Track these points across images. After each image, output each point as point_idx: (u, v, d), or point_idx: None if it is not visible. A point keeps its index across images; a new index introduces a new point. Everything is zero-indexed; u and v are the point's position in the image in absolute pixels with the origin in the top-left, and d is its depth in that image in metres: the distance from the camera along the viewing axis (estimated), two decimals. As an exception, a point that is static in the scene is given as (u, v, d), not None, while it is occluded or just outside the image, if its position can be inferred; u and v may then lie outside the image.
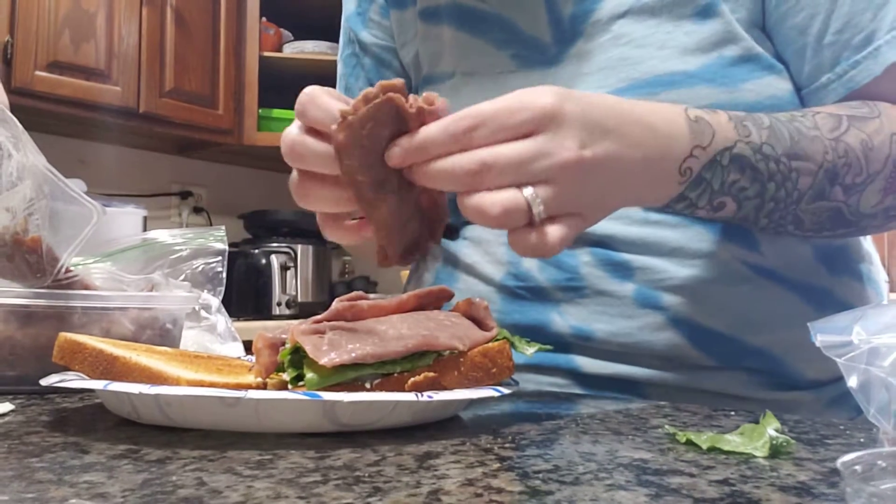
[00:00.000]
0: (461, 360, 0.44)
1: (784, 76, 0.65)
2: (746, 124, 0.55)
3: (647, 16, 0.65)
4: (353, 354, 0.42)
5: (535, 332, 0.67)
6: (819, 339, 0.38)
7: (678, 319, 0.64)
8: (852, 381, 0.36)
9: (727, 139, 0.54)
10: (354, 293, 0.48)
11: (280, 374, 0.45)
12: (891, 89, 0.62)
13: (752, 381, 0.64)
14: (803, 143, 0.56)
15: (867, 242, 0.72)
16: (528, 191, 0.45)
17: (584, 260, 0.66)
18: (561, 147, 0.46)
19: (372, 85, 0.83)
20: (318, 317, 0.45)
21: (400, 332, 0.44)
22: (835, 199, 0.58)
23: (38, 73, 2.08)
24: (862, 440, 0.43)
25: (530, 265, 0.68)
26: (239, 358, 0.58)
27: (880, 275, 0.72)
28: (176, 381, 0.44)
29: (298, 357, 0.43)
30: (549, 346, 0.52)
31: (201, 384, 0.44)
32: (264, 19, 2.68)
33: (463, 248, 0.74)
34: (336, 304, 0.47)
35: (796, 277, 0.65)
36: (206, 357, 0.54)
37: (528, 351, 0.49)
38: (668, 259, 0.64)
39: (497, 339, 0.46)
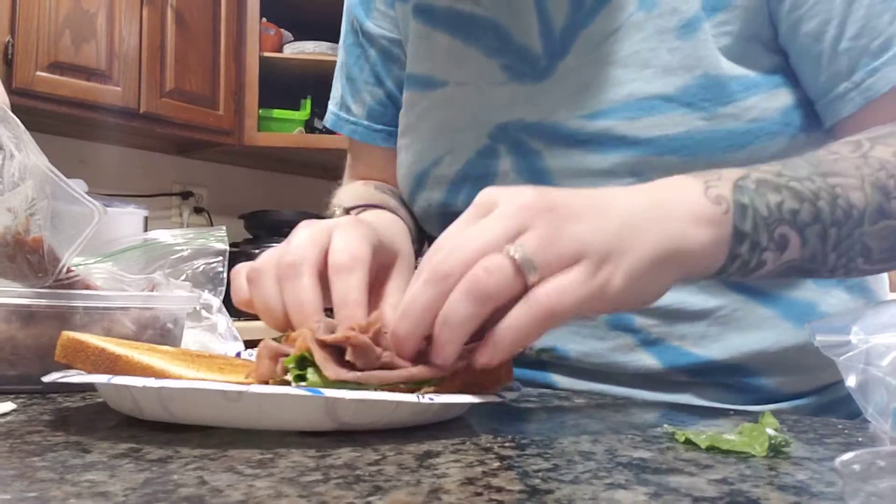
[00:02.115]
0: (463, 372, 0.45)
1: (777, 92, 0.62)
2: (750, 167, 0.51)
3: (635, 31, 0.64)
4: (358, 374, 0.42)
5: None
6: (818, 339, 0.38)
7: (649, 341, 0.64)
8: (851, 381, 0.36)
9: (736, 172, 0.49)
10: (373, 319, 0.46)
11: (282, 377, 0.45)
12: None
13: (726, 396, 0.64)
14: (825, 164, 0.51)
15: None
16: (511, 249, 0.41)
17: None
18: (518, 195, 0.43)
19: (379, 79, 0.84)
20: (338, 337, 0.44)
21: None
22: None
23: (38, 73, 2.08)
24: (860, 439, 0.43)
25: None
26: (238, 355, 0.58)
27: (880, 282, 0.70)
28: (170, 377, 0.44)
29: (304, 362, 0.43)
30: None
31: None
32: (264, 20, 2.68)
33: None
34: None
35: (777, 292, 0.64)
36: (208, 356, 0.54)
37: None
38: None
39: None
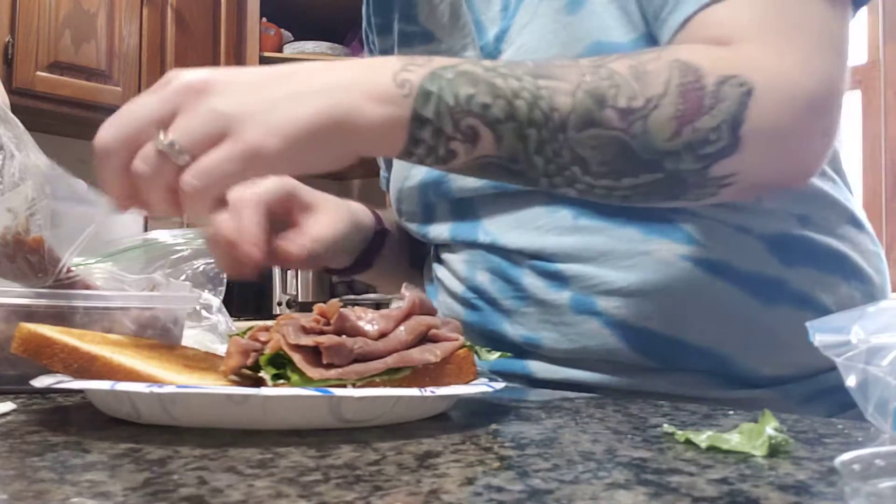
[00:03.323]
0: (432, 367, 0.47)
1: None
2: (480, 60, 0.54)
3: (540, 17, 0.67)
4: (340, 371, 0.43)
5: (493, 341, 0.69)
6: (817, 339, 0.38)
7: (614, 323, 0.64)
8: (851, 381, 0.36)
9: (448, 62, 0.51)
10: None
11: (248, 371, 0.46)
12: (706, 26, 0.57)
13: (702, 381, 0.64)
14: (550, 68, 0.52)
15: (847, 226, 0.68)
16: (159, 137, 0.45)
17: (525, 272, 0.68)
18: (179, 76, 0.47)
19: None
20: (311, 325, 0.46)
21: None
22: (611, 125, 0.51)
23: (38, 73, 2.09)
24: (860, 439, 0.43)
25: (483, 279, 0.71)
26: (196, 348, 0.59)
27: (865, 261, 0.68)
28: (162, 382, 0.44)
29: (278, 360, 0.44)
30: (508, 354, 0.54)
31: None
32: (264, 20, 2.68)
33: (439, 268, 0.79)
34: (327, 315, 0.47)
35: (741, 269, 0.63)
36: (168, 347, 0.54)
37: (490, 357, 0.52)
38: (599, 264, 0.65)
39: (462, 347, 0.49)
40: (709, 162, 0.53)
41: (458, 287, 0.74)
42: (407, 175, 0.78)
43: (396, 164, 0.82)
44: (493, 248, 0.70)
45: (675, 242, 0.63)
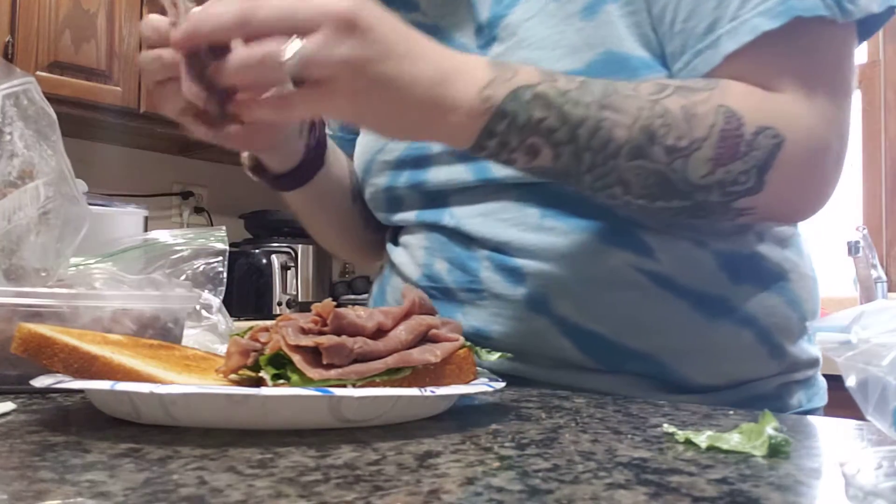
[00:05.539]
0: (432, 367, 0.47)
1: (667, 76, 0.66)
2: (556, 75, 0.57)
3: (548, 17, 0.68)
4: (340, 371, 0.43)
5: None
6: (818, 339, 0.38)
7: (564, 323, 0.66)
8: (850, 381, 0.36)
9: (530, 78, 0.55)
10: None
11: (248, 371, 0.46)
12: (733, 78, 0.61)
13: (638, 383, 0.66)
14: (615, 97, 0.57)
15: (792, 258, 0.71)
16: (293, 42, 0.48)
17: (483, 265, 0.70)
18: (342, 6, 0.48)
19: None
20: (310, 325, 0.46)
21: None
22: (657, 160, 0.57)
23: (38, 73, 2.09)
24: (860, 439, 0.43)
25: (440, 267, 0.73)
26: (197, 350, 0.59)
27: (806, 293, 0.71)
28: (162, 382, 0.44)
29: (278, 361, 0.44)
30: (509, 354, 0.54)
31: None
32: (265, 19, 2.67)
33: (396, 251, 0.80)
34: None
35: (691, 285, 0.66)
36: (168, 346, 0.54)
37: (491, 358, 0.53)
38: (558, 265, 0.67)
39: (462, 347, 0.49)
40: (734, 198, 0.59)
41: (414, 272, 0.75)
42: (382, 148, 0.78)
43: (368, 134, 0.81)
44: (455, 234, 0.72)
45: (632, 253, 0.66)
